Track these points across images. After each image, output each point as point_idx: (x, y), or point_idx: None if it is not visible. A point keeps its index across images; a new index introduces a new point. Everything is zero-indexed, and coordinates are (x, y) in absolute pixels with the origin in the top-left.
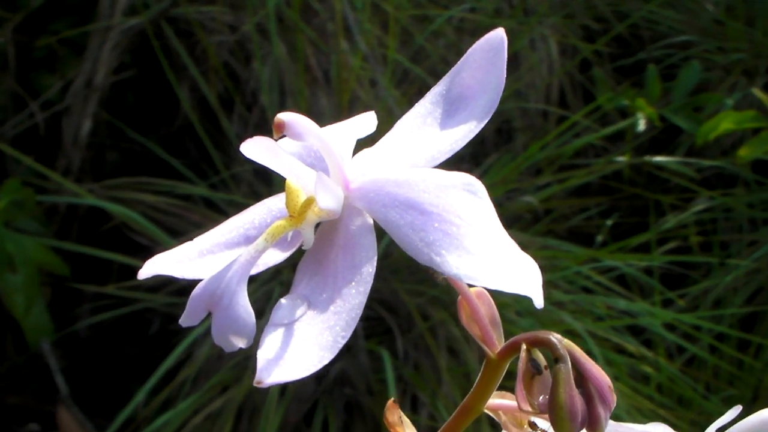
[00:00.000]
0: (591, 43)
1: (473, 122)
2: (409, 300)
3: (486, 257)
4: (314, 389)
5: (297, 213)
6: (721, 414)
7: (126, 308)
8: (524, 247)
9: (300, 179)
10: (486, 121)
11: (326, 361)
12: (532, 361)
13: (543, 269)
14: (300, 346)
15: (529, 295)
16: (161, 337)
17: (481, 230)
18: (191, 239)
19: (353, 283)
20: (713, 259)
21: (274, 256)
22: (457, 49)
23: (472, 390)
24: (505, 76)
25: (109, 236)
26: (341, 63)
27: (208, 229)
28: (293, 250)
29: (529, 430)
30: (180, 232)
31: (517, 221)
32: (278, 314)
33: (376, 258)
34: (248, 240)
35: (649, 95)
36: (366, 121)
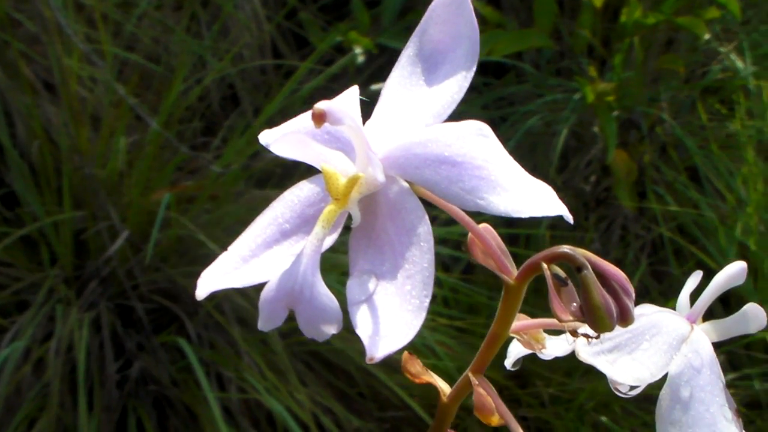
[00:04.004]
0: None
1: (462, 72)
2: (186, 283)
3: (520, 191)
4: (119, 395)
5: (341, 195)
6: None
7: None
8: None
9: (330, 162)
10: (473, 69)
11: (421, 322)
12: (555, 276)
13: None
14: (392, 316)
15: (561, 214)
16: None
17: (505, 167)
18: None
19: (413, 246)
20: None
21: (328, 240)
22: (164, 26)
23: (495, 319)
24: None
25: None
26: (62, 68)
27: None
28: (340, 229)
29: (547, 342)
30: None
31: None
32: (352, 294)
33: (426, 216)
34: (285, 234)
35: (359, 26)
36: (354, 93)
